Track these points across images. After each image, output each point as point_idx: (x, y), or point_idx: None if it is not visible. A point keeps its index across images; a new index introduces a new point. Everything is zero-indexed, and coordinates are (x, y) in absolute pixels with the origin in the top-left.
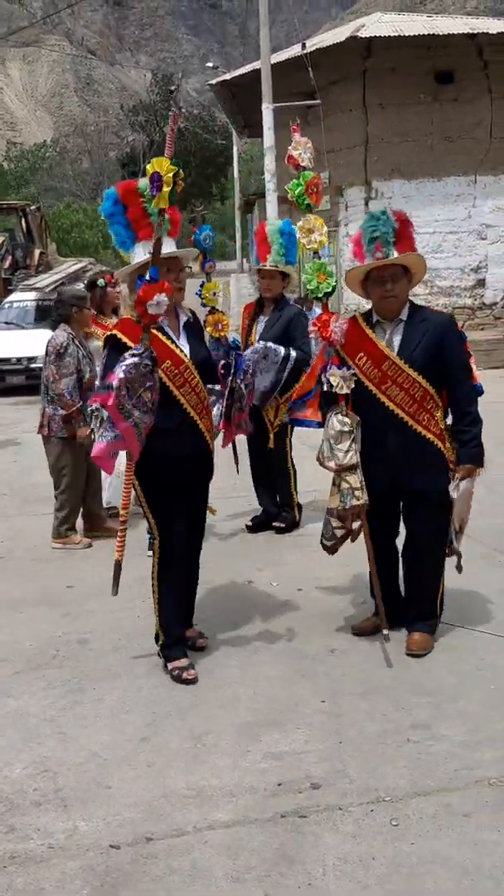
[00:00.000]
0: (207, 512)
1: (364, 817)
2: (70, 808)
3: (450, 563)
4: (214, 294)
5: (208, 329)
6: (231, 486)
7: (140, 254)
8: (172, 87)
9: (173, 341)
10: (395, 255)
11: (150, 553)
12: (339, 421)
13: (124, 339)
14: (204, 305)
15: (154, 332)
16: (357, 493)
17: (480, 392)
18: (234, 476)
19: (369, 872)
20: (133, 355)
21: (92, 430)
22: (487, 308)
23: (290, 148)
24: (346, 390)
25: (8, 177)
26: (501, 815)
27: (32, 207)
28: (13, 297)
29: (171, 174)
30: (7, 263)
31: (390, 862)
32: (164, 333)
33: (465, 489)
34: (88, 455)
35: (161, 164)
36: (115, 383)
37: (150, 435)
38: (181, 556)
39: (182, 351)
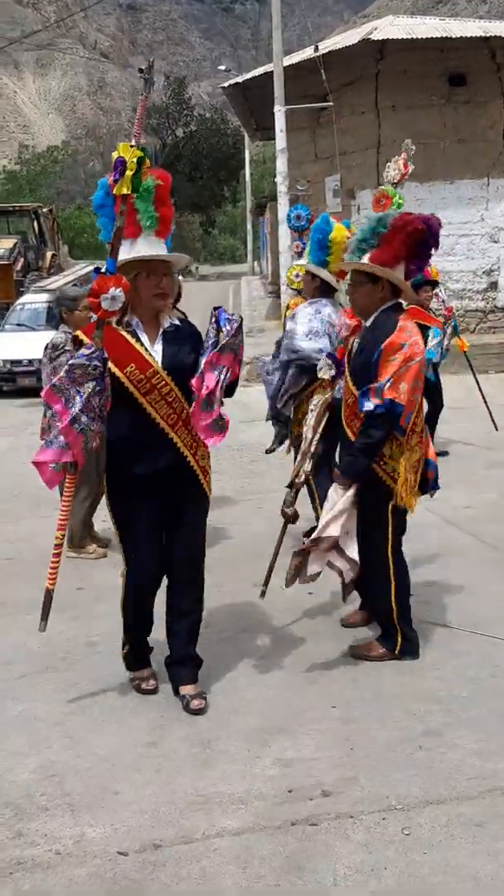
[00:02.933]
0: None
1: (375, 826)
2: (77, 814)
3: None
4: (298, 276)
5: (287, 314)
6: (242, 489)
7: (125, 251)
8: (145, 70)
9: (143, 345)
10: (360, 260)
11: None
12: None
13: (87, 341)
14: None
15: (122, 333)
16: None
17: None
18: (243, 479)
19: (381, 883)
20: (82, 354)
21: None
22: (500, 311)
23: None
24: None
25: (21, 180)
26: None
27: (44, 210)
28: (25, 298)
29: (134, 159)
30: (19, 265)
31: (402, 872)
32: (135, 336)
33: (331, 494)
34: (97, 464)
35: (126, 150)
36: (57, 382)
37: (115, 448)
38: (150, 585)
39: (152, 356)
